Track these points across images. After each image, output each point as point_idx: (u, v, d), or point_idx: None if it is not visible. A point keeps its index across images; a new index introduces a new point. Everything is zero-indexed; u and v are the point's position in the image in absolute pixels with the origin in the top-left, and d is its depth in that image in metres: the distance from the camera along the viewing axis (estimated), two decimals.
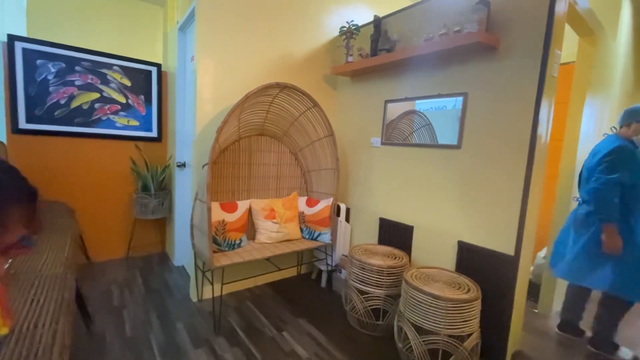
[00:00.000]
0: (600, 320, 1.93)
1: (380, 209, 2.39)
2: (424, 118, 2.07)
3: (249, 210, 2.33)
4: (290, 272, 2.75)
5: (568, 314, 2.10)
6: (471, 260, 1.81)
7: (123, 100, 2.77)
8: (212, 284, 2.02)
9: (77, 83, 2.53)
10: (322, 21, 2.63)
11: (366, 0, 2.88)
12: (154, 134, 2.96)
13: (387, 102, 2.31)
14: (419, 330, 1.56)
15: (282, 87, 2.06)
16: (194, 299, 2.23)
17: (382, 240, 2.37)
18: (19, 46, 2.29)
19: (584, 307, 2.07)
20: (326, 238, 2.38)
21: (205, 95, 2.12)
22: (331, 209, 2.37)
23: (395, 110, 2.25)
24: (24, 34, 2.43)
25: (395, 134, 2.26)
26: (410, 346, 1.59)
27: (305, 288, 2.53)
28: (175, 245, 2.81)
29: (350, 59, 2.40)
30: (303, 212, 2.48)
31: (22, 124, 2.35)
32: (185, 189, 2.65)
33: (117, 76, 2.71)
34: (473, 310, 1.53)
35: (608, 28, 2.46)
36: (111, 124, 2.73)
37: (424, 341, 1.54)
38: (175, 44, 2.64)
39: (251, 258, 1.99)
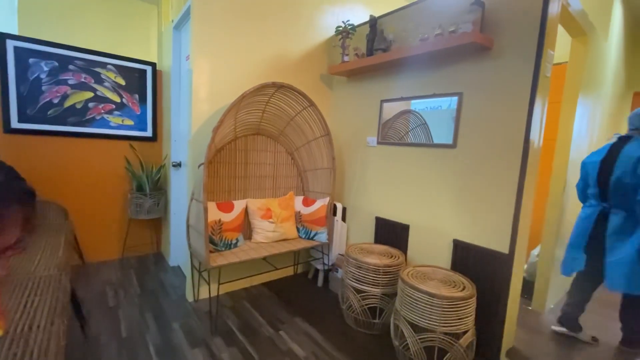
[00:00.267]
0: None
1: (377, 208, 2.40)
2: (419, 117, 2.08)
3: (246, 210, 2.32)
4: (287, 272, 2.75)
5: (571, 308, 2.10)
6: (466, 258, 1.83)
7: (117, 100, 2.74)
8: (208, 283, 2.01)
9: (70, 82, 2.50)
10: (318, 20, 2.63)
11: (362, 0, 2.89)
12: (148, 133, 2.94)
13: (383, 101, 2.32)
14: (415, 328, 1.57)
15: (279, 87, 2.06)
16: (190, 299, 2.22)
17: (378, 239, 2.38)
18: (10, 44, 2.25)
19: (585, 305, 2.09)
20: (322, 237, 2.39)
21: (201, 95, 2.11)
22: (327, 209, 2.38)
23: (391, 109, 2.26)
24: (15, 32, 2.39)
25: (391, 134, 2.27)
26: (407, 344, 1.60)
27: (302, 287, 2.54)
28: (170, 245, 2.79)
29: (346, 58, 2.41)
30: (299, 212, 2.48)
31: (14, 124, 2.32)
32: (181, 188, 2.63)
33: (111, 75, 2.69)
34: (468, 308, 1.54)
35: (600, 29, 2.50)
36: (105, 124, 2.70)
37: (420, 339, 1.55)
38: (170, 42, 2.63)
39: (248, 258, 1.99)
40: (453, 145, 1.89)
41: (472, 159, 1.82)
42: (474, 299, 1.59)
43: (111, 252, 2.87)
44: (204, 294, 2.25)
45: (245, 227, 2.34)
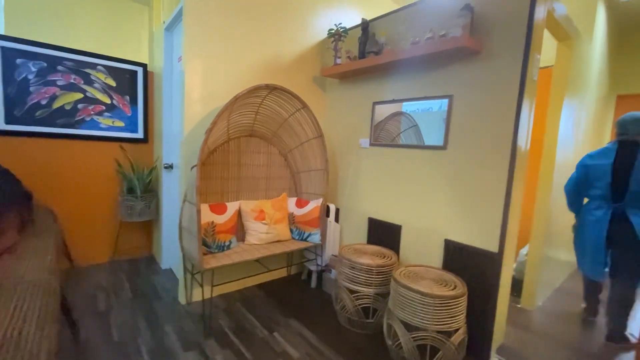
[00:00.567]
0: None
1: (369, 209, 2.43)
2: (410, 119, 2.11)
3: (239, 212, 2.32)
4: (280, 273, 2.75)
5: (590, 300, 2.34)
6: (457, 257, 1.86)
7: (107, 101, 2.71)
8: (201, 286, 2.00)
9: (59, 83, 2.46)
10: (310, 23, 2.64)
11: (354, 3, 2.92)
12: (139, 135, 2.91)
13: (375, 103, 2.34)
14: (408, 327, 1.59)
15: (272, 89, 2.06)
16: (183, 301, 2.21)
17: (371, 240, 2.41)
18: None
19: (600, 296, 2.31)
20: (316, 238, 2.40)
21: (194, 96, 2.10)
22: (321, 210, 2.39)
23: (383, 111, 2.29)
24: (1, 32, 2.35)
25: (383, 135, 2.30)
26: (400, 343, 1.62)
27: (296, 288, 2.54)
28: (162, 247, 2.77)
29: (338, 61, 2.43)
30: (293, 213, 2.49)
31: (1, 125, 2.27)
32: (173, 190, 2.62)
33: (101, 76, 2.66)
34: (459, 306, 1.57)
35: (584, 33, 2.58)
36: (95, 125, 2.66)
37: (412, 337, 1.58)
38: (162, 44, 2.61)
39: (241, 259, 1.99)
40: (443, 147, 1.93)
41: (462, 160, 1.85)
42: (465, 297, 1.62)
43: (101, 256, 2.83)
44: (197, 296, 2.23)
45: (239, 228, 2.34)
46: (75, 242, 2.66)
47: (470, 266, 1.80)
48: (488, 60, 1.74)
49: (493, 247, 1.72)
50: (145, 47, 3.02)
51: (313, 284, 2.59)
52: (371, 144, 2.39)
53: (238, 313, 2.12)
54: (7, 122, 2.29)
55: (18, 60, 2.29)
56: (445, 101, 1.91)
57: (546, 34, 2.13)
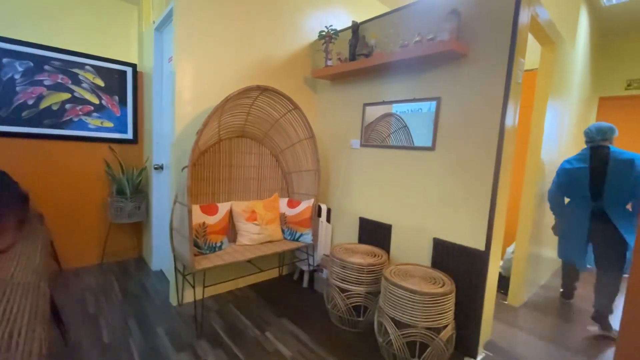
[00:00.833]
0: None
1: (360, 209, 2.46)
2: (400, 120, 2.15)
3: (230, 213, 2.32)
4: (272, 274, 2.76)
5: (568, 284, 2.65)
6: (445, 255, 1.90)
7: (96, 101, 2.68)
8: (193, 287, 2.00)
9: (46, 83, 2.43)
10: (301, 25, 2.66)
11: (344, 5, 2.95)
12: (129, 135, 2.88)
13: (365, 105, 2.38)
14: (398, 324, 1.63)
15: (263, 90, 2.08)
16: (174, 303, 2.20)
17: (362, 240, 2.44)
18: None
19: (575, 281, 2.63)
20: (307, 239, 2.42)
21: (184, 97, 2.10)
22: (312, 210, 2.41)
23: (374, 113, 2.32)
24: None
25: (373, 136, 2.33)
26: (390, 340, 1.65)
27: (287, 289, 2.56)
28: (153, 249, 2.75)
29: (329, 62, 2.45)
30: (284, 214, 2.50)
31: None
32: (163, 191, 2.60)
33: (90, 76, 2.63)
34: (448, 303, 1.61)
35: (567, 37, 2.66)
36: (83, 126, 2.63)
37: (402, 334, 1.61)
38: (152, 44, 2.60)
39: (233, 260, 1.99)
40: (432, 148, 1.97)
41: (450, 160, 1.90)
42: (453, 294, 1.66)
43: (90, 258, 2.79)
44: (188, 297, 2.23)
45: (230, 229, 2.34)
46: (63, 244, 2.63)
47: (458, 264, 1.84)
48: (474, 64, 1.78)
49: (480, 245, 1.76)
50: (135, 47, 3.00)
51: (305, 283, 2.60)
52: (362, 145, 2.42)
53: (230, 314, 2.13)
54: None
55: (4, 60, 2.25)
56: (434, 103, 1.96)
57: (530, 38, 2.20)
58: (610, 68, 3.90)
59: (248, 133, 2.43)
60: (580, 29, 2.93)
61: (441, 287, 1.65)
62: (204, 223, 2.05)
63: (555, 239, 3.14)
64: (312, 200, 2.44)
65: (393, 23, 2.19)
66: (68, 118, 2.56)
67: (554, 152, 2.74)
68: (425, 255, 2.03)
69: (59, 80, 2.48)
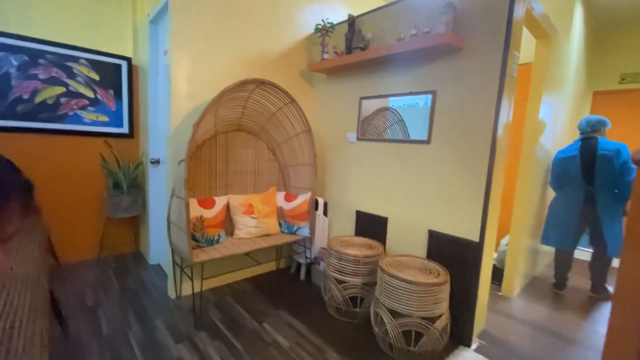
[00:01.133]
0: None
1: (357, 202, 2.48)
2: (396, 115, 2.16)
3: (227, 206, 2.34)
4: (270, 267, 2.78)
5: (560, 275, 2.74)
6: (440, 247, 1.94)
7: (91, 95, 2.66)
8: (191, 279, 2.02)
9: (40, 77, 2.40)
10: (298, 18, 2.65)
11: None
12: (125, 129, 2.87)
13: (362, 98, 2.38)
14: (394, 314, 1.66)
15: (259, 83, 2.08)
16: (173, 296, 2.22)
17: (358, 232, 2.46)
18: None
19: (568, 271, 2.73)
20: (305, 232, 2.44)
21: (180, 90, 2.09)
22: (309, 204, 2.43)
23: (370, 106, 2.33)
24: None
25: (370, 130, 2.35)
26: (386, 330, 1.69)
27: (285, 281, 2.58)
28: (150, 243, 2.76)
29: (325, 56, 2.45)
30: (281, 207, 2.52)
31: None
32: (160, 185, 2.60)
33: (84, 70, 2.61)
34: (442, 293, 1.65)
35: (562, 31, 2.68)
36: (79, 120, 2.62)
37: (398, 324, 1.64)
38: (147, 37, 2.58)
39: (230, 253, 2.01)
40: (427, 141, 1.99)
41: (445, 153, 1.92)
42: (448, 284, 1.69)
43: (88, 252, 2.80)
44: (186, 290, 2.25)
45: (227, 223, 2.36)
46: (60, 239, 2.63)
47: (453, 255, 1.88)
48: (469, 57, 1.80)
49: (474, 237, 1.79)
50: (130, 40, 2.97)
51: (302, 276, 2.63)
52: (358, 139, 2.43)
53: (228, 306, 2.15)
54: None
55: None
56: (429, 96, 1.97)
57: (526, 32, 2.22)
58: (604, 62, 3.92)
59: (245, 127, 2.43)
60: (575, 23, 2.95)
61: (436, 277, 1.68)
62: (201, 216, 2.06)
63: None
64: (309, 194, 2.45)
65: (389, 16, 2.19)
66: (63, 112, 2.54)
67: (549, 145, 2.77)
68: (420, 247, 2.06)
69: (54, 74, 2.46)
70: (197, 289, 2.20)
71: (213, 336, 1.81)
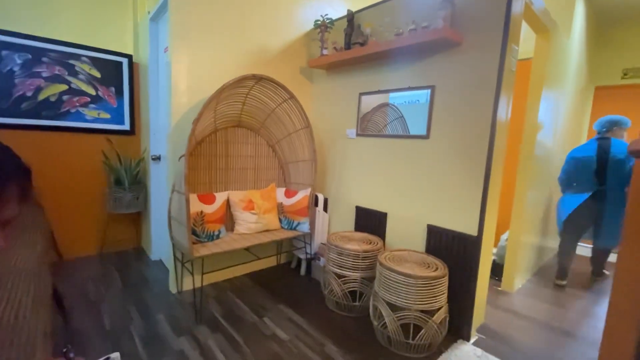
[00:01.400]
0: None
1: (356, 197, 2.49)
2: (397, 111, 2.17)
3: (227, 202, 2.35)
4: (270, 262, 2.80)
5: (563, 264, 2.77)
6: (439, 241, 1.94)
7: (93, 92, 2.68)
8: (192, 274, 2.04)
9: (43, 74, 2.43)
10: (297, 14, 2.66)
11: None
12: (126, 126, 2.89)
13: (361, 94, 2.39)
14: (393, 307, 1.67)
15: (258, 79, 2.09)
16: (174, 290, 2.24)
17: (358, 227, 2.48)
18: None
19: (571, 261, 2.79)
20: (305, 227, 2.45)
21: (180, 87, 2.11)
22: (309, 199, 2.44)
23: (370, 102, 2.34)
24: None
25: (369, 126, 2.35)
26: (385, 323, 1.70)
27: (285, 276, 2.60)
28: (152, 239, 2.78)
29: (325, 52, 2.46)
30: (281, 203, 2.53)
31: None
32: (161, 182, 2.62)
33: (86, 67, 2.63)
34: (441, 287, 1.66)
35: (562, 26, 2.66)
36: (81, 117, 2.64)
37: (397, 317, 1.66)
38: (147, 34, 2.59)
39: (230, 248, 2.03)
40: (426, 136, 2.00)
41: (444, 148, 1.92)
42: (446, 278, 1.70)
43: (90, 248, 2.83)
44: (187, 285, 2.27)
45: (228, 219, 2.37)
46: (63, 235, 2.66)
47: (452, 249, 1.89)
48: (468, 52, 1.80)
49: (472, 231, 1.80)
50: (130, 38, 2.99)
51: (302, 271, 2.65)
52: (358, 135, 2.44)
53: (228, 300, 2.17)
54: None
55: (3, 52, 2.25)
56: (428, 91, 1.97)
57: (525, 27, 2.21)
58: (606, 57, 3.89)
59: (244, 123, 2.44)
60: (576, 18, 2.93)
61: (434, 271, 1.69)
62: (201, 212, 2.08)
63: (548, 228, 3.19)
64: (309, 190, 2.47)
65: (388, 11, 2.19)
66: (65, 109, 2.56)
67: (549, 141, 2.77)
68: (419, 242, 2.07)
69: (56, 72, 2.49)
70: (197, 284, 2.22)
71: (213, 329, 1.83)
